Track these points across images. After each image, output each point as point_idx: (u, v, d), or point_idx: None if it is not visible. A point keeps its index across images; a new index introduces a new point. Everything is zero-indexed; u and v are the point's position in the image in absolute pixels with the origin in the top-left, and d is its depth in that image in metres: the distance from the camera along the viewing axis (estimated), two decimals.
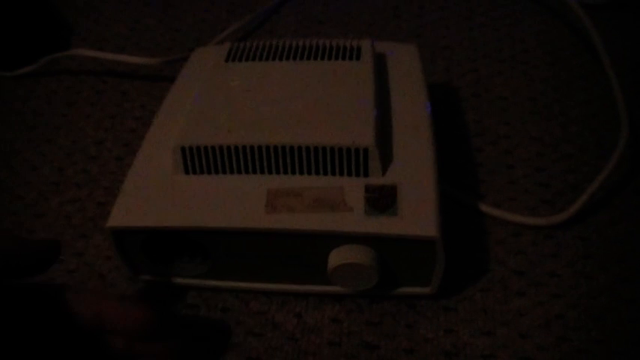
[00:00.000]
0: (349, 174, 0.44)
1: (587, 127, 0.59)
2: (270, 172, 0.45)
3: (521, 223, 0.51)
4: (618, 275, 0.47)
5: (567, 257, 0.49)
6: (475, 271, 0.48)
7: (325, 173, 0.44)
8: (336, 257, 0.42)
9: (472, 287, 0.47)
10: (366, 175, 0.44)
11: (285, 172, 0.45)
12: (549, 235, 0.50)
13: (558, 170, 0.55)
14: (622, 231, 0.50)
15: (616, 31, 0.67)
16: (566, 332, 0.44)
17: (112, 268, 0.51)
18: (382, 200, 0.42)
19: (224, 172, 0.45)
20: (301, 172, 0.44)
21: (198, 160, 0.45)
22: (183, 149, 0.45)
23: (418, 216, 0.42)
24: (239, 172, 0.45)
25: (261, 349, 0.45)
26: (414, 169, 0.45)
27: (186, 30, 0.74)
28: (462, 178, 0.55)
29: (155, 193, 0.45)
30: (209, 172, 0.45)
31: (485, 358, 0.43)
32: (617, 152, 0.52)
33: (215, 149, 0.44)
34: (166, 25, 0.76)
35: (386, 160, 0.45)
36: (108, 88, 0.68)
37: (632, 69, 0.63)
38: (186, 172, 0.45)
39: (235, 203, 0.43)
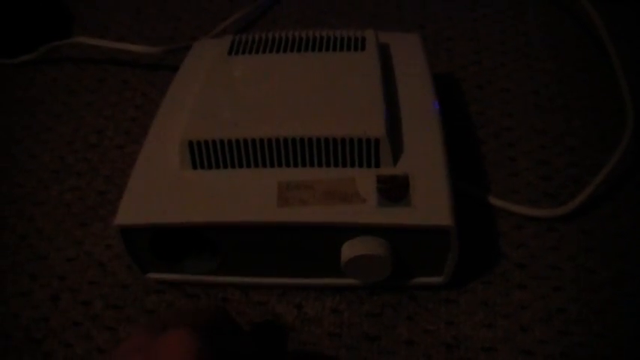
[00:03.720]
0: (360, 165, 0.44)
1: (591, 120, 0.58)
2: (280, 165, 0.44)
3: (524, 214, 0.51)
4: (620, 269, 0.47)
5: (569, 250, 0.49)
6: (477, 263, 0.48)
7: (336, 165, 0.44)
8: (350, 249, 0.42)
9: (473, 279, 0.47)
10: (377, 165, 0.44)
11: (296, 165, 0.44)
12: (551, 228, 0.50)
13: (561, 163, 0.55)
14: (624, 225, 0.50)
15: (621, 23, 0.67)
16: (567, 326, 0.44)
17: (111, 256, 0.51)
18: (395, 191, 0.42)
19: (232, 167, 0.44)
20: (312, 165, 0.44)
21: (206, 154, 0.44)
22: (190, 144, 0.44)
23: (432, 205, 0.42)
24: (248, 165, 0.44)
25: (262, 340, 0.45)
26: (425, 159, 0.44)
27: (188, 19, 0.74)
28: (464, 169, 0.54)
29: (162, 189, 0.44)
30: (217, 167, 0.45)
31: (485, 350, 0.43)
32: (622, 146, 0.52)
33: (224, 143, 0.44)
34: (168, 13, 0.75)
35: (397, 150, 0.44)
36: (109, 77, 0.68)
37: (637, 61, 0.63)
38: (194, 167, 0.45)
39: (246, 197, 0.43)
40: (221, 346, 0.36)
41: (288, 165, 0.44)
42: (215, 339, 0.35)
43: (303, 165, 0.44)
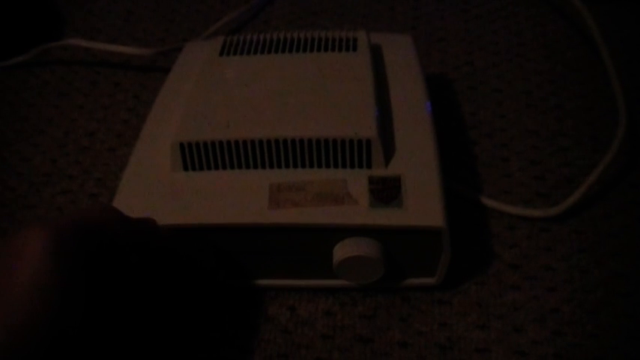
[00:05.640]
0: (352, 166, 0.44)
1: (583, 120, 0.58)
2: (271, 167, 0.44)
3: (517, 214, 0.50)
4: (613, 269, 0.47)
5: (562, 251, 0.49)
6: (470, 264, 0.48)
7: (327, 166, 0.44)
8: (342, 251, 0.42)
9: (467, 280, 0.47)
10: (369, 166, 0.44)
11: (287, 166, 0.44)
12: (544, 229, 0.50)
13: (553, 163, 0.55)
14: (617, 225, 0.50)
15: (613, 23, 0.67)
16: (561, 326, 0.44)
17: None
18: (386, 192, 0.42)
19: (224, 168, 0.44)
20: (303, 166, 0.44)
21: (197, 156, 0.44)
22: (181, 145, 0.44)
23: (424, 206, 0.41)
24: (239, 167, 0.44)
25: (254, 342, 0.44)
26: (417, 160, 0.44)
27: (180, 20, 0.74)
28: (457, 170, 0.54)
29: (154, 191, 0.44)
30: (208, 168, 0.44)
31: (479, 351, 0.43)
32: (615, 145, 0.52)
33: (215, 145, 0.44)
34: (160, 15, 0.75)
35: (388, 151, 0.44)
36: (101, 79, 0.67)
37: (629, 62, 0.63)
38: (185, 168, 0.45)
39: (237, 199, 0.42)
40: (99, 239, 0.35)
41: (279, 166, 0.44)
42: (86, 235, 0.34)
43: (295, 166, 0.44)
